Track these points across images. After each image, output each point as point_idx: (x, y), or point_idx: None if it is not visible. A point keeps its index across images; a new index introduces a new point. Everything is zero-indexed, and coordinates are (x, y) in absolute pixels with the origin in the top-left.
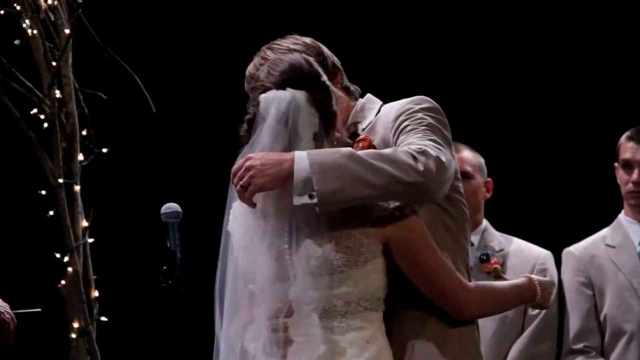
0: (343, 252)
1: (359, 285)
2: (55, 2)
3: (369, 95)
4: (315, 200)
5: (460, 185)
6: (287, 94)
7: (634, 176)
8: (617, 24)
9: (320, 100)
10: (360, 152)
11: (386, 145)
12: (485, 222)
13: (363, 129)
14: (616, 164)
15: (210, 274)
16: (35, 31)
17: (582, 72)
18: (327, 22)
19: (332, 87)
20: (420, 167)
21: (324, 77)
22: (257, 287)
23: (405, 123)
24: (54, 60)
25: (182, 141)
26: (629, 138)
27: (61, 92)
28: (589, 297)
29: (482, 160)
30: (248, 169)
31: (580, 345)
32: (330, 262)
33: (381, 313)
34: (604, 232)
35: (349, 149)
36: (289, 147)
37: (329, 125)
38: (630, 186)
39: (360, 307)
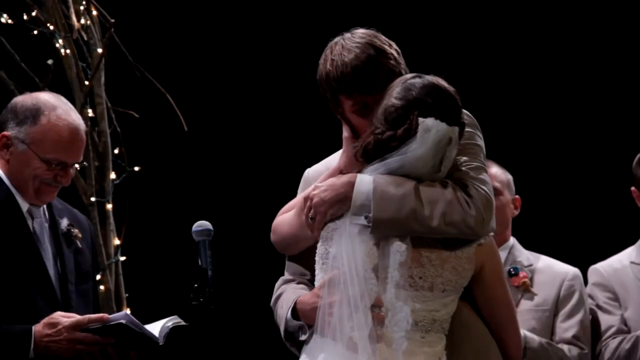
0: (449, 273)
1: (448, 308)
2: (88, 22)
3: None
4: (369, 224)
5: None
6: (444, 126)
7: None
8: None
9: (461, 135)
10: (423, 189)
11: None
12: (512, 239)
13: None
14: (633, 189)
15: (241, 291)
16: (68, 51)
17: (611, 91)
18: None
19: None
20: (473, 213)
21: (462, 115)
22: (349, 274)
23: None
24: (87, 80)
25: (214, 159)
26: None
27: (94, 111)
28: (617, 307)
29: (510, 177)
30: (311, 198)
31: (612, 331)
32: (435, 278)
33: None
34: (630, 250)
35: (415, 182)
36: (428, 177)
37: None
38: None
39: (441, 328)
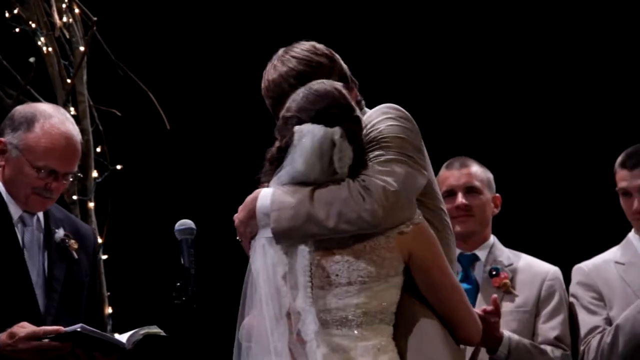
0: (366, 264)
1: (378, 299)
2: (70, 20)
3: (366, 110)
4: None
5: (439, 192)
6: (322, 129)
7: (635, 204)
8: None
9: (353, 133)
10: (318, 192)
11: None
12: (493, 238)
13: None
14: (617, 189)
15: (224, 290)
16: (50, 49)
17: (593, 89)
18: (332, 31)
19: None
20: (367, 207)
21: (356, 110)
22: (265, 287)
23: (373, 143)
24: (69, 78)
25: (196, 158)
26: (621, 165)
27: (76, 109)
28: (602, 307)
29: (490, 176)
30: (235, 221)
31: (596, 332)
32: (352, 272)
33: (392, 327)
34: (614, 250)
35: (310, 188)
36: (324, 180)
37: (363, 154)
38: (635, 215)
39: (376, 320)
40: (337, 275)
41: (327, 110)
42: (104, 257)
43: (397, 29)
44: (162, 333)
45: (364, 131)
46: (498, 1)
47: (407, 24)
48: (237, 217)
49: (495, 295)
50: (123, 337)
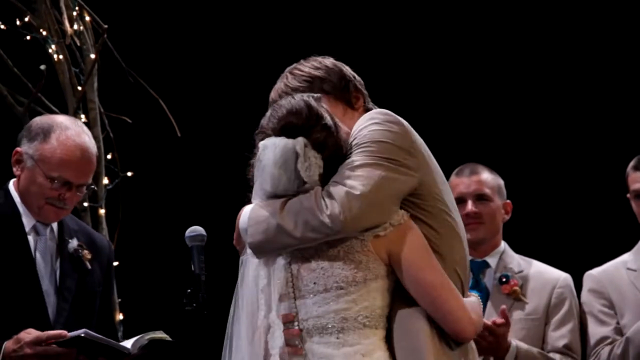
0: (340, 270)
1: (358, 303)
2: (81, 28)
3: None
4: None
5: (442, 192)
6: (282, 140)
7: None
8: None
9: (323, 142)
10: (289, 203)
11: None
12: (503, 244)
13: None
14: (629, 195)
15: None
16: (61, 56)
17: (603, 96)
18: (343, 40)
19: (338, 125)
20: (327, 212)
21: (326, 119)
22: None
23: (353, 149)
24: (80, 85)
25: (207, 165)
26: (635, 168)
27: (86, 117)
28: (612, 316)
29: (501, 182)
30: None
31: (605, 342)
32: (327, 279)
33: (382, 330)
34: (626, 256)
35: (282, 200)
36: (295, 191)
37: (335, 166)
38: None
39: (358, 324)
40: (314, 283)
41: (290, 122)
42: (115, 263)
43: (405, 34)
44: (168, 338)
45: (350, 138)
46: (509, 7)
47: (417, 29)
48: (234, 236)
49: (504, 307)
50: (128, 343)
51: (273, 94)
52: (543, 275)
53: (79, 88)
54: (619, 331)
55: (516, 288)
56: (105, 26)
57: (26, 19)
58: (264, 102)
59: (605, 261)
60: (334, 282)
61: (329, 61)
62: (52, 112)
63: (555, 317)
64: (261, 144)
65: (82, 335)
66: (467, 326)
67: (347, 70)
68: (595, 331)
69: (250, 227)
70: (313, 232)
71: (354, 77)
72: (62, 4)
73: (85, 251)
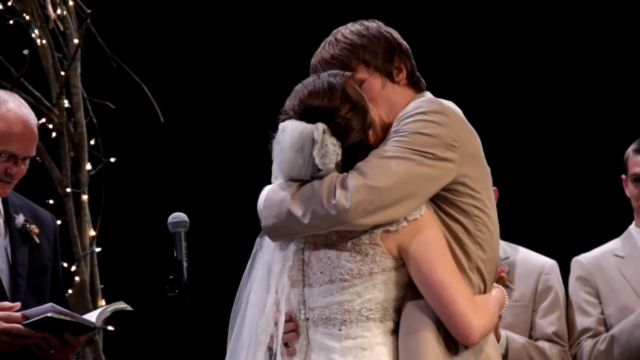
0: (346, 262)
1: (362, 295)
2: (64, 12)
3: (426, 92)
4: None
5: (483, 189)
6: (302, 124)
7: None
8: (624, 41)
9: (341, 131)
10: (302, 188)
11: None
12: None
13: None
14: (623, 177)
15: (217, 283)
16: (44, 41)
17: (591, 81)
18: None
19: (366, 109)
20: (333, 202)
21: (345, 109)
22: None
23: (391, 135)
24: (63, 70)
25: (190, 151)
26: (637, 151)
27: (69, 102)
28: (596, 305)
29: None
30: None
31: (587, 334)
32: (333, 270)
33: (389, 323)
34: (614, 242)
35: (297, 184)
36: (309, 176)
37: (358, 151)
38: None
39: (362, 317)
40: (321, 272)
41: (310, 105)
42: (98, 249)
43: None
44: (129, 308)
45: (395, 124)
46: (500, 3)
47: (408, 25)
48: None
49: None
50: (92, 316)
51: (313, 60)
52: (529, 262)
53: (62, 73)
54: (602, 322)
55: (503, 275)
56: (89, 11)
57: (9, 3)
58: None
59: (592, 247)
60: (339, 273)
61: (375, 28)
62: (35, 97)
63: (543, 305)
64: (281, 125)
65: (50, 315)
66: (471, 331)
67: (395, 38)
68: (578, 321)
69: (264, 210)
70: (319, 221)
71: (401, 45)
72: None
73: (33, 225)
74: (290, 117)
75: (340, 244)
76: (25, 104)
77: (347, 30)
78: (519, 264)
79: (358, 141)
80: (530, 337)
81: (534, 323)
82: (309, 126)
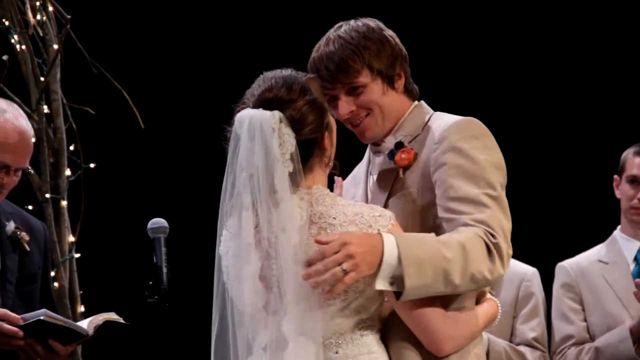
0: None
1: (352, 316)
2: (44, 18)
3: (421, 103)
4: (394, 289)
5: None
6: (259, 112)
7: None
8: (608, 45)
9: (297, 121)
10: (451, 247)
11: (428, 165)
12: None
13: (409, 142)
14: (616, 177)
15: (197, 289)
16: (23, 46)
17: (575, 91)
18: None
19: (324, 107)
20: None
21: (302, 101)
22: (246, 314)
23: (452, 170)
24: (42, 76)
25: (170, 157)
26: (638, 153)
27: (49, 107)
28: (579, 312)
29: None
30: (351, 255)
31: (570, 342)
32: (318, 294)
33: (378, 334)
34: (598, 248)
35: (434, 238)
36: (265, 166)
37: (312, 148)
38: (635, 202)
39: (356, 336)
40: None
41: (269, 97)
42: (77, 255)
43: (400, 24)
44: (122, 320)
45: (436, 147)
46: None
47: (404, 25)
48: (352, 249)
49: None
50: (83, 324)
51: (315, 54)
52: (511, 269)
53: (42, 79)
54: (585, 329)
55: None
56: (69, 16)
57: None
58: (228, 94)
59: (575, 253)
60: (326, 298)
61: (378, 30)
62: (15, 102)
63: (523, 311)
64: (238, 115)
65: (42, 318)
66: (443, 346)
67: (397, 43)
68: (561, 328)
69: (408, 268)
70: (472, 283)
71: (402, 51)
72: None
73: (23, 233)
74: (246, 107)
75: None
76: (24, 115)
77: (351, 30)
78: None
79: (313, 138)
80: (511, 342)
81: (515, 329)
82: (266, 112)
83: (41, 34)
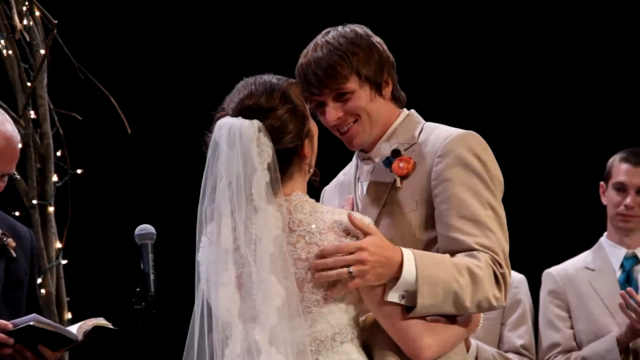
0: (310, 293)
1: (331, 322)
2: (31, 23)
3: (412, 111)
4: (405, 303)
5: None
6: (238, 121)
7: (628, 200)
8: (596, 51)
9: (277, 130)
10: (464, 272)
11: (428, 177)
12: None
13: (405, 149)
14: (602, 183)
15: (184, 296)
16: (10, 51)
17: (561, 98)
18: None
19: (306, 115)
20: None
21: (282, 109)
22: (223, 321)
23: (459, 187)
24: (29, 81)
25: (157, 163)
26: (625, 160)
27: (36, 113)
28: (566, 319)
29: None
30: (362, 262)
31: (556, 350)
32: (298, 302)
33: (358, 340)
34: (585, 255)
35: (450, 261)
36: (244, 175)
37: (292, 156)
38: (622, 208)
39: (336, 342)
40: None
41: (249, 104)
42: (64, 262)
43: (393, 29)
44: (111, 326)
45: (439, 160)
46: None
47: (402, 25)
48: (365, 256)
49: None
50: (72, 329)
51: (302, 60)
52: None
53: (29, 84)
54: (571, 336)
55: None
56: (56, 21)
57: None
58: (216, 99)
59: (562, 260)
60: (305, 306)
61: (366, 36)
62: (1, 108)
63: (511, 318)
64: (218, 123)
65: (32, 324)
66: (423, 354)
67: (385, 49)
68: (548, 335)
69: (423, 287)
70: (478, 309)
71: (389, 58)
72: None
73: (10, 239)
74: (226, 115)
75: (299, 276)
76: (10, 120)
77: (339, 35)
78: None
79: (293, 146)
80: (499, 349)
81: (503, 336)
82: (245, 122)
83: (28, 39)
